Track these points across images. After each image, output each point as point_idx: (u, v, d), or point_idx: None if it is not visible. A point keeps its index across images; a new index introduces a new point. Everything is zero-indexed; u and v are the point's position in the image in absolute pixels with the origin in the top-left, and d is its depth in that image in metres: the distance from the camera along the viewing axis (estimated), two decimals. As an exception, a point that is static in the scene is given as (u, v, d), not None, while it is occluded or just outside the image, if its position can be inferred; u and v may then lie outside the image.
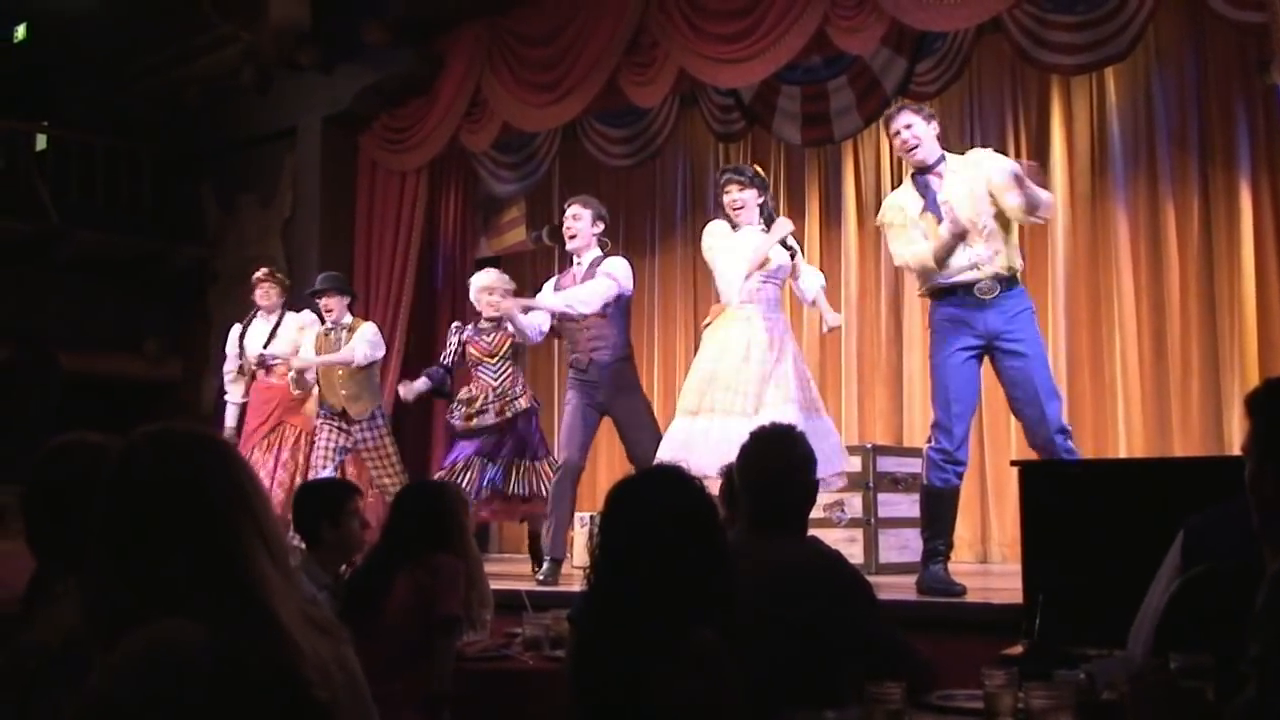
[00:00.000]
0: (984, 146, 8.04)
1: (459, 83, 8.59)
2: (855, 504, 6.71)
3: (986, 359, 5.32)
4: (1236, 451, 2.34)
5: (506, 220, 9.71)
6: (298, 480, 7.65)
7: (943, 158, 5.44)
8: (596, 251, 6.70)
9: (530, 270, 9.71)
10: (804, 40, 6.94)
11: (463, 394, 7.23)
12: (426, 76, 8.82)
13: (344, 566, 4.34)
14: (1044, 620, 3.53)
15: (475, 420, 7.11)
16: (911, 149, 5.39)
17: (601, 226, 6.74)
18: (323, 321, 7.86)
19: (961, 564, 7.71)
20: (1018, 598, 4.18)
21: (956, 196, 5.27)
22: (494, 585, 4.63)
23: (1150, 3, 6.34)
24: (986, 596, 5.23)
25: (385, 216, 9.18)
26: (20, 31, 11.85)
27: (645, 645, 2.34)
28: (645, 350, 9.17)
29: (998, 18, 6.64)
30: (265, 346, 8.03)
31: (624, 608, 2.40)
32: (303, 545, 4.29)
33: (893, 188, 8.51)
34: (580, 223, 6.68)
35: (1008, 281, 5.27)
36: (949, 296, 5.33)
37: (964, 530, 7.87)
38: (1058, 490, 4.21)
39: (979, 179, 5.31)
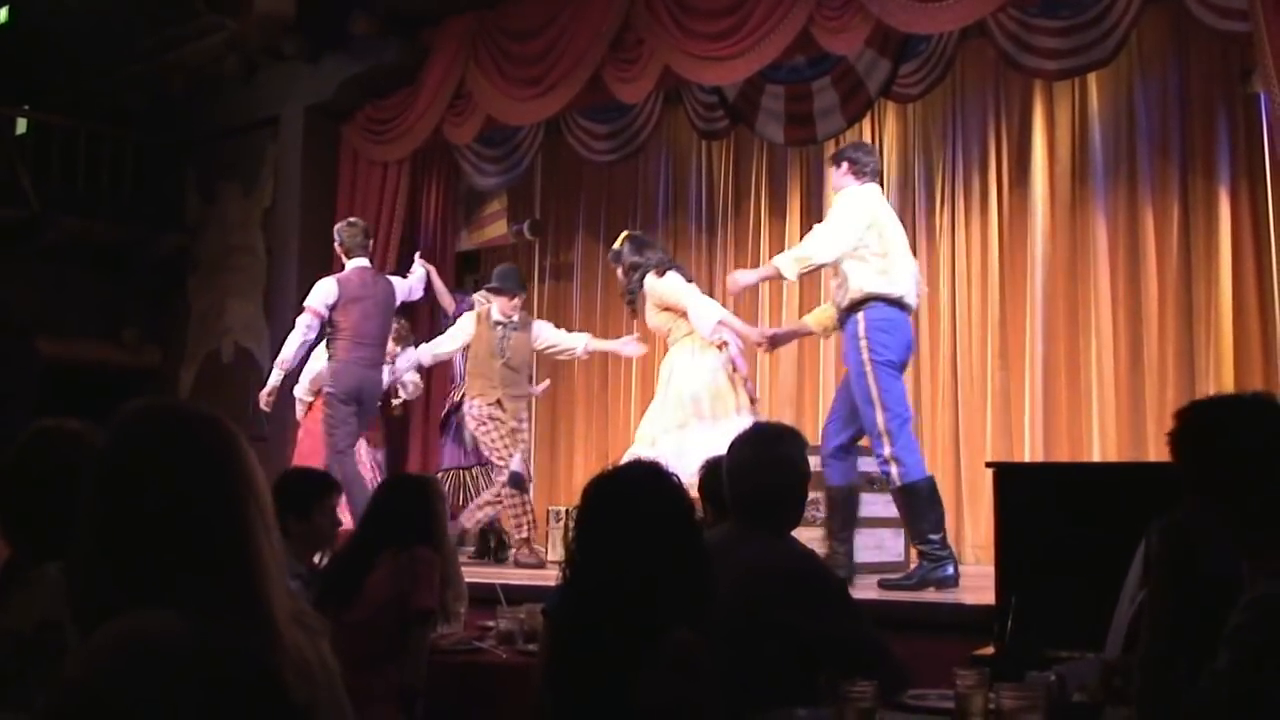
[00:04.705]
0: (966, 150, 8.18)
1: (443, 75, 8.56)
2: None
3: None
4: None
5: (488, 214, 9.70)
6: None
7: None
8: None
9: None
10: (789, 40, 6.94)
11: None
12: (411, 68, 8.79)
13: (319, 557, 4.33)
14: (1016, 622, 3.55)
15: None
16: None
17: None
18: None
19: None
20: (990, 599, 4.20)
21: None
22: (468, 579, 4.63)
23: (1134, 10, 6.37)
24: (959, 597, 5.25)
25: (367, 207, 9.14)
26: (2, 14, 11.74)
27: (622, 642, 2.34)
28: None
29: (982, 21, 6.66)
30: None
31: (600, 604, 2.39)
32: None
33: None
34: None
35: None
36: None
37: (939, 531, 7.89)
38: (1031, 492, 4.23)
39: None
